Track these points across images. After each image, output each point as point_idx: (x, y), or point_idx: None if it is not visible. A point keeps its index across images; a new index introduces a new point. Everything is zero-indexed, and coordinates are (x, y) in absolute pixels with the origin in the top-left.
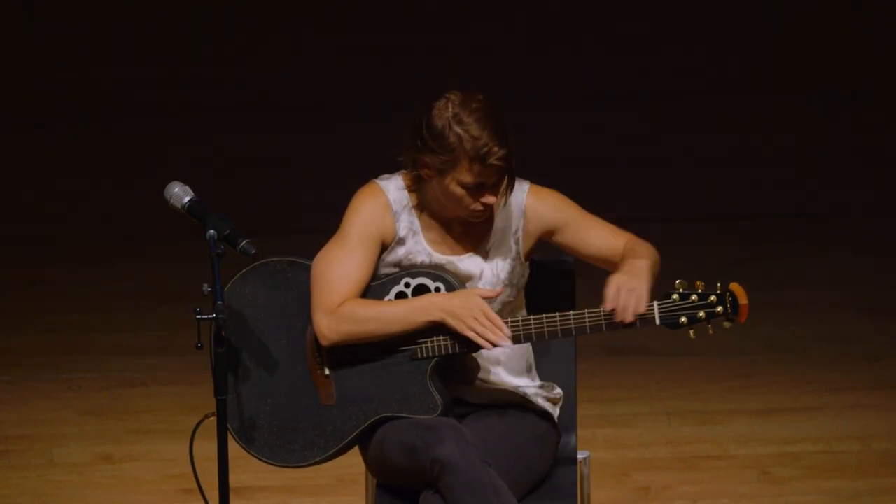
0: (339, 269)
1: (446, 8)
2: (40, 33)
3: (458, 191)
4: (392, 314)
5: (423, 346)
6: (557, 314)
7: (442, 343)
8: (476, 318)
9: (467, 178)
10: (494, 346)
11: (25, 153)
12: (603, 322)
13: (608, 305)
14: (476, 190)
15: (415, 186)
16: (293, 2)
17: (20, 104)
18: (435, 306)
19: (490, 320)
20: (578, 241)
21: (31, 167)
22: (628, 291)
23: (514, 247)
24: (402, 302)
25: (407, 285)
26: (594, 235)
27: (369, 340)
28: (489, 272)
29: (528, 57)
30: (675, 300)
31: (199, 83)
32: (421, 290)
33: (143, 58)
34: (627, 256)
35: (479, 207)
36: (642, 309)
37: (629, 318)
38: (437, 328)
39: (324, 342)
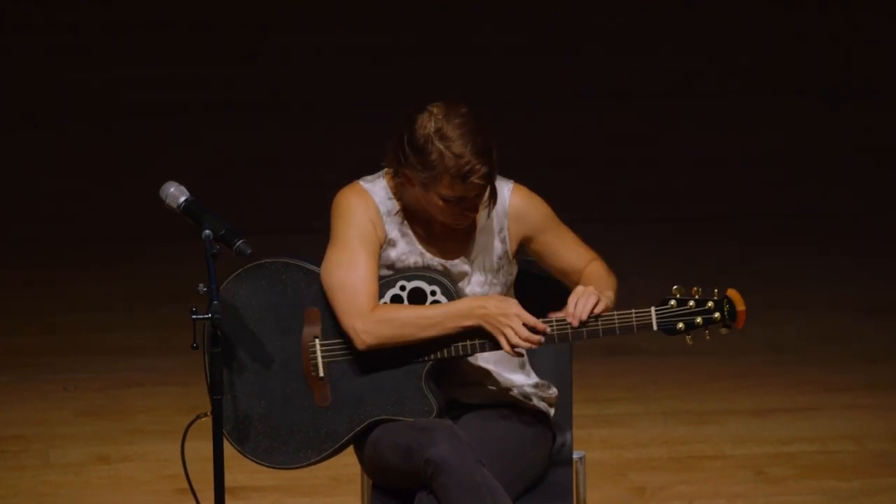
0: (354, 272)
1: (443, 7)
2: (36, 34)
3: (440, 203)
4: (429, 319)
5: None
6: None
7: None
8: (511, 326)
9: (448, 193)
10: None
11: (21, 153)
12: (569, 332)
13: (568, 307)
14: (457, 203)
15: (399, 191)
16: (289, 2)
17: (18, 104)
18: (473, 311)
19: (528, 323)
20: (550, 252)
21: (27, 167)
22: (587, 296)
23: (500, 246)
24: (436, 306)
25: (402, 288)
26: (564, 249)
27: (404, 344)
28: (477, 273)
29: (526, 57)
30: (672, 306)
31: (196, 83)
32: (416, 293)
33: (139, 58)
34: (586, 280)
35: (460, 219)
36: (597, 307)
37: (584, 316)
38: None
39: (361, 346)
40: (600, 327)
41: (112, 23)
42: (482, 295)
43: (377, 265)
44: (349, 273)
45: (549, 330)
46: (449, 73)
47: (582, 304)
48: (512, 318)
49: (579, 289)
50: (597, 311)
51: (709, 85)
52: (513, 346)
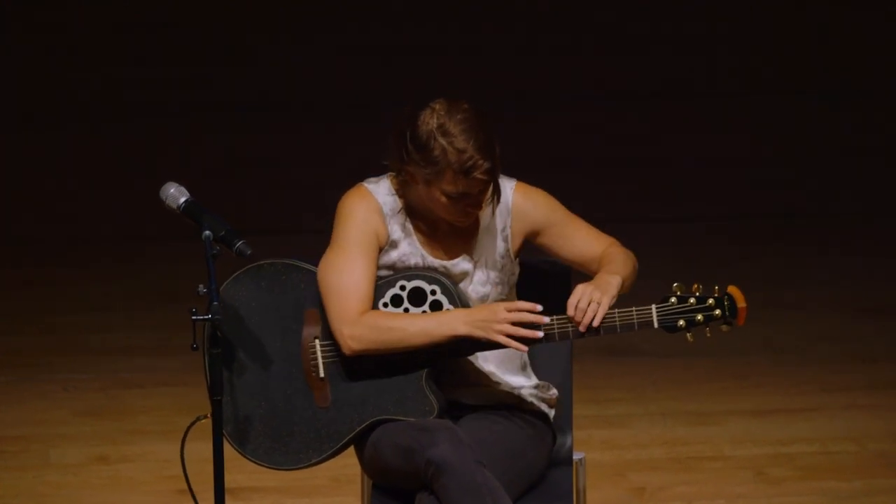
0: (348, 277)
1: (443, 8)
2: (37, 34)
3: (443, 200)
4: (416, 326)
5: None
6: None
7: None
8: (502, 322)
9: (451, 189)
10: (529, 343)
11: (21, 153)
12: (570, 330)
13: (568, 311)
14: (460, 199)
15: (402, 190)
16: (290, 2)
17: (18, 104)
18: (458, 320)
19: (518, 309)
20: (561, 244)
21: (27, 167)
22: (589, 302)
23: (503, 244)
24: (426, 315)
25: (402, 288)
26: (577, 239)
27: (392, 351)
28: (480, 272)
29: (527, 57)
30: (672, 303)
31: (196, 83)
32: (416, 292)
33: (138, 58)
34: (604, 265)
35: (464, 216)
36: (597, 322)
37: (582, 328)
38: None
39: (347, 352)
40: (601, 325)
41: (112, 23)
42: (483, 296)
43: (373, 270)
44: (342, 278)
45: (546, 319)
46: (449, 73)
47: (583, 307)
48: (501, 317)
49: (578, 289)
50: (600, 313)
51: (709, 85)
52: (516, 343)
